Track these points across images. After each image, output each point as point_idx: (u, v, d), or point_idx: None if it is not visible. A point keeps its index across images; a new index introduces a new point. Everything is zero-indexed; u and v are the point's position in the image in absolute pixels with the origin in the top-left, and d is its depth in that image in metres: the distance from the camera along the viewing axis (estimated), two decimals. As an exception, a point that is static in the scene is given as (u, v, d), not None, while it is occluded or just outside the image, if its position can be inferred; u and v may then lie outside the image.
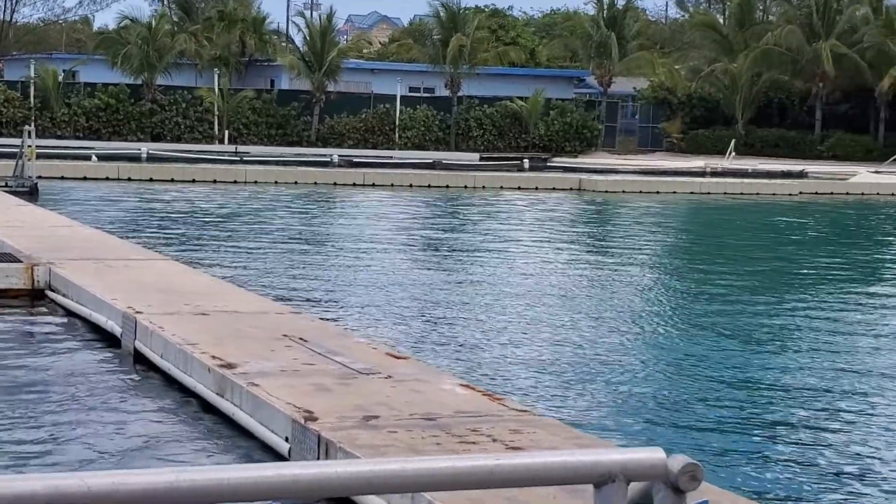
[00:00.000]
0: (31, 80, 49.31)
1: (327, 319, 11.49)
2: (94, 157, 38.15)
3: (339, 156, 45.73)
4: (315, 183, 35.13)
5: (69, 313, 11.34)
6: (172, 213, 25.54)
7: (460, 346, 11.71)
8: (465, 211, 29.83)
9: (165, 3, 68.45)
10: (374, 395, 7.30)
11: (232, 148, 47.93)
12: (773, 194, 37.43)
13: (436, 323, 12.91)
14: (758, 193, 37.41)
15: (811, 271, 19.56)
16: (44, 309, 11.80)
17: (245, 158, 43.44)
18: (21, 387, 8.78)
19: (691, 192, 36.89)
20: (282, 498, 2.77)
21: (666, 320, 14.15)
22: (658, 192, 36.39)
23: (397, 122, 52.06)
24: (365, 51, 78.18)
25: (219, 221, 24.14)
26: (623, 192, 36.37)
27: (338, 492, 2.86)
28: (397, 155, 48.46)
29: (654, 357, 11.73)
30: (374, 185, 35.57)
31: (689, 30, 62.88)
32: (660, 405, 9.73)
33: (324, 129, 51.35)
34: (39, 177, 27.23)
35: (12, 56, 62.40)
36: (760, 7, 61.18)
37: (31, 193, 25.08)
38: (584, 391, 10.07)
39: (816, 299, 15.99)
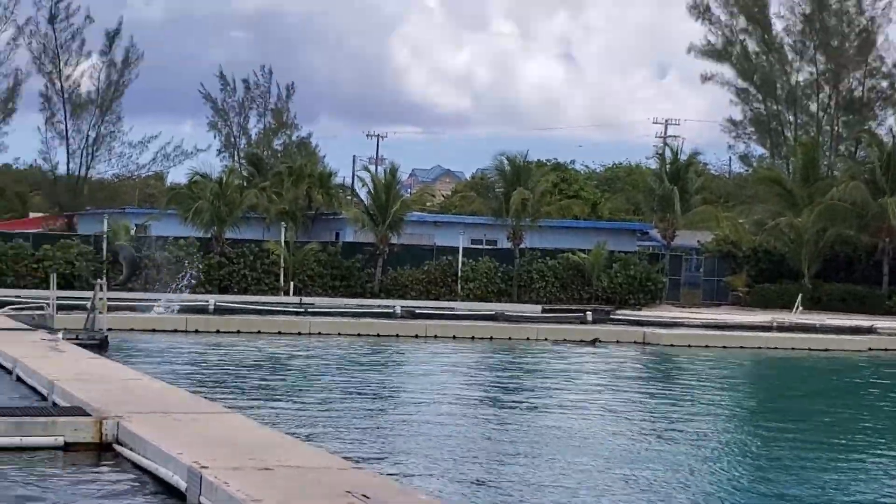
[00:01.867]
0: (104, 235, 50.50)
1: (390, 474, 11.47)
2: (160, 309, 38.79)
3: (402, 307, 46.00)
4: (378, 334, 35.32)
5: (136, 467, 11.44)
6: (238, 365, 25.77)
7: (524, 499, 11.61)
8: (527, 363, 29.75)
9: (236, 158, 70.40)
10: (436, 555, 7.25)
11: (297, 299, 48.44)
12: (842, 350, 36.87)
13: (501, 479, 12.82)
14: (826, 349, 36.85)
15: (881, 431, 19.18)
16: (111, 463, 11.91)
17: (309, 310, 43.87)
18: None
19: (758, 347, 36.50)
20: None
21: (729, 481, 13.92)
22: (724, 347, 36.04)
23: (459, 274, 52.43)
24: (428, 203, 79.45)
25: (283, 373, 24.31)
26: (688, 345, 36.09)
27: None
28: (459, 306, 48.64)
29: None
30: (435, 336, 35.67)
31: (752, 184, 63.10)
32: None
33: (387, 281, 51.84)
34: (109, 329, 27.71)
35: (87, 211, 64.22)
36: (825, 163, 61.39)
37: (100, 346, 25.49)
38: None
39: (888, 462, 15.66)
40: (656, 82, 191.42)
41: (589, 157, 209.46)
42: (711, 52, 64.68)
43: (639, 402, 21.88)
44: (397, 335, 35.59)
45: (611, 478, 13.19)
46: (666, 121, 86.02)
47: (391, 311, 44.94)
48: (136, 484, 10.94)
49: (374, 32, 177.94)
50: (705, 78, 65.56)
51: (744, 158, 70.05)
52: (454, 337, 35.78)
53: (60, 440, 12.25)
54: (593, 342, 35.24)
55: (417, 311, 45.29)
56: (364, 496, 8.94)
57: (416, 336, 35.60)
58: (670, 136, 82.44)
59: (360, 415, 17.85)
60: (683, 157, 57.39)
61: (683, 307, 53.98)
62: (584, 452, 14.90)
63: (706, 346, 35.92)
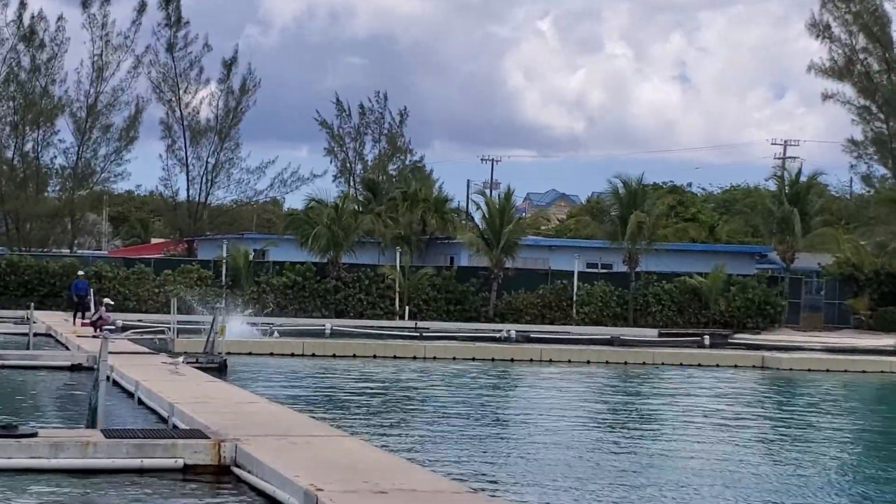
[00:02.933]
0: (224, 260, 51.43)
1: (504, 498, 11.42)
2: (276, 334, 39.28)
3: (517, 331, 45.95)
4: (492, 359, 35.24)
5: (254, 489, 11.59)
6: (354, 388, 25.97)
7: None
8: (643, 388, 29.40)
9: (352, 184, 71.18)
10: (551, 582, 7.19)
11: (412, 324, 48.71)
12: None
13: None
14: (954, 373, 35.72)
15: None
16: (229, 485, 12.09)
17: (424, 334, 44.04)
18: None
19: (881, 372, 35.51)
20: None
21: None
22: (846, 371, 35.16)
23: (575, 298, 52.14)
24: (543, 227, 79.16)
25: (398, 397, 24.42)
26: (808, 370, 35.30)
27: None
28: (574, 331, 48.37)
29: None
30: (550, 361, 35.46)
31: (874, 205, 61.57)
32: None
33: (501, 305, 51.79)
34: (228, 353, 28.15)
35: (206, 236, 65.55)
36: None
37: (219, 370, 25.92)
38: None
39: None
40: (774, 102, 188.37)
41: (706, 179, 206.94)
42: (832, 71, 63.35)
43: (754, 426, 21.43)
44: (512, 359, 35.48)
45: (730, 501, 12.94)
46: (785, 142, 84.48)
47: (506, 335, 44.91)
48: (254, 506, 11.08)
49: (487, 56, 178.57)
50: (826, 97, 64.23)
51: (866, 179, 68.33)
52: (569, 361, 35.53)
53: (180, 462, 12.50)
54: None
55: (532, 335, 45.18)
56: (478, 521, 8.91)
57: (531, 360, 35.44)
58: (789, 157, 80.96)
59: (475, 439, 17.82)
60: (804, 179, 56.32)
61: (803, 331, 52.84)
62: (703, 478, 14.64)
63: (827, 371, 35.07)
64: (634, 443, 18.39)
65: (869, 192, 68.35)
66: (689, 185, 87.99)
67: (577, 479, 14.29)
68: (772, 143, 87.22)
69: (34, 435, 12.61)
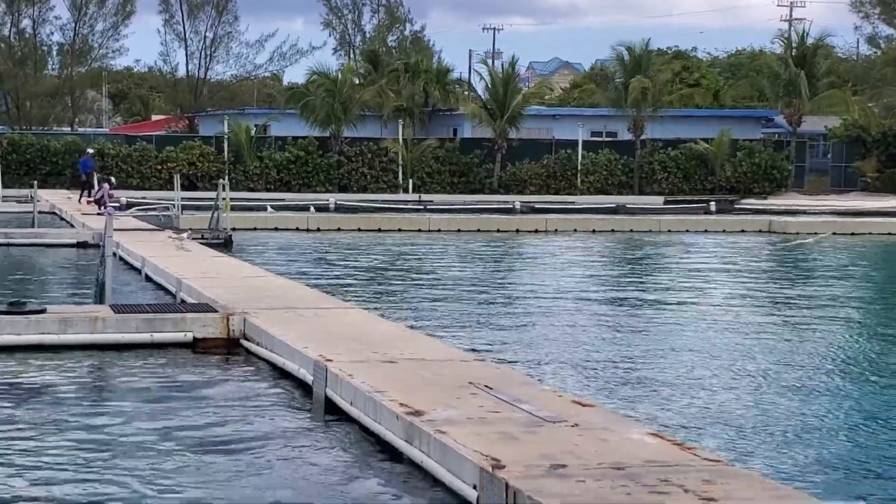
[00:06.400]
0: (225, 136, 51.18)
1: (511, 366, 11.47)
2: (269, 209, 39.03)
3: (521, 202, 45.92)
4: (497, 230, 35.27)
5: (263, 361, 11.65)
6: (359, 262, 26.02)
7: (648, 393, 11.51)
8: (650, 256, 29.44)
9: (352, 56, 70.36)
10: (561, 444, 7.23)
11: (416, 197, 48.66)
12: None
13: (622, 370, 12.73)
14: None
15: None
16: (239, 357, 12.16)
17: (429, 207, 44.00)
18: (217, 430, 9.05)
19: (889, 234, 35.53)
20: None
21: (866, 371, 13.60)
22: (853, 234, 35.18)
23: (579, 167, 51.95)
24: (546, 97, 78.37)
25: (404, 270, 24.47)
26: (815, 233, 35.31)
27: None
28: (580, 200, 48.33)
29: (854, 408, 11.27)
30: (556, 231, 35.49)
31: (880, 66, 60.86)
32: (860, 458, 9.34)
33: (506, 176, 51.65)
34: (233, 228, 28.16)
35: (207, 112, 65.11)
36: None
37: (225, 245, 25.97)
38: (779, 441, 9.74)
39: None
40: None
41: (710, 43, 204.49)
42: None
43: (764, 291, 21.49)
44: (517, 230, 35.49)
45: (737, 367, 13.00)
46: (791, 2, 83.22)
47: (511, 206, 44.89)
48: (264, 377, 11.15)
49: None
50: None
51: (871, 40, 67.42)
52: (575, 231, 35.56)
53: (189, 336, 12.55)
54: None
55: (537, 205, 45.16)
56: (486, 387, 8.96)
57: (537, 231, 35.46)
58: (795, 18, 79.79)
59: (481, 309, 17.88)
60: (810, 40, 55.56)
61: (810, 195, 52.78)
62: (709, 344, 14.72)
63: (833, 234, 35.08)
64: (636, 310, 18.43)
65: (875, 53, 67.51)
66: (694, 50, 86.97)
67: (579, 347, 14.36)
68: (777, 5, 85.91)
69: (43, 311, 12.64)
